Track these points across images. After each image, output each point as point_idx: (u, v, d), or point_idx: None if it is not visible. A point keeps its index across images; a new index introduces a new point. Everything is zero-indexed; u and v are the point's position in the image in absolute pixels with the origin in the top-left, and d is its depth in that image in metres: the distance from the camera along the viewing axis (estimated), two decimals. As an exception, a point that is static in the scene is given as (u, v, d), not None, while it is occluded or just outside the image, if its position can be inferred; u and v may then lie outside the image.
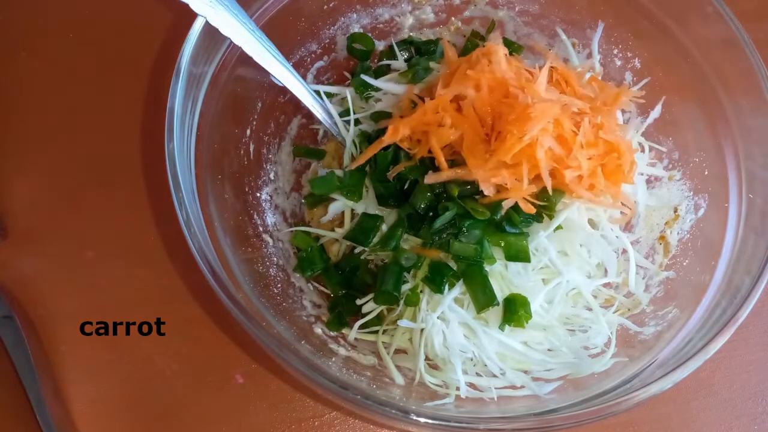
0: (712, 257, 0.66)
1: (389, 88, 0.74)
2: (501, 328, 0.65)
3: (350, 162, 0.72)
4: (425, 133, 0.65)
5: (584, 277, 0.69)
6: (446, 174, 0.65)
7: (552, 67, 0.67)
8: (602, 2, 0.77)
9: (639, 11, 0.74)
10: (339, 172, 0.72)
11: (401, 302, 0.66)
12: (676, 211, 0.74)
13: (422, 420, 0.53)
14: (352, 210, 0.72)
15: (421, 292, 0.66)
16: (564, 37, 0.80)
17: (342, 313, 0.70)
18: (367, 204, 0.71)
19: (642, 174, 0.75)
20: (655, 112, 0.76)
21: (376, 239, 0.68)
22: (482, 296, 0.64)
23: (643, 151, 0.76)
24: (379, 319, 0.69)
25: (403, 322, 0.65)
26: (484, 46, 0.68)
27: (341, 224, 0.73)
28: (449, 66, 0.70)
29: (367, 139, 0.72)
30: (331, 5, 0.78)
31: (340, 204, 0.72)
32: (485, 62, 0.65)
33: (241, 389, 0.72)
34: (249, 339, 0.55)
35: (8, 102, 0.84)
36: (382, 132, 0.68)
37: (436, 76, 0.72)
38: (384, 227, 0.69)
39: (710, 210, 0.71)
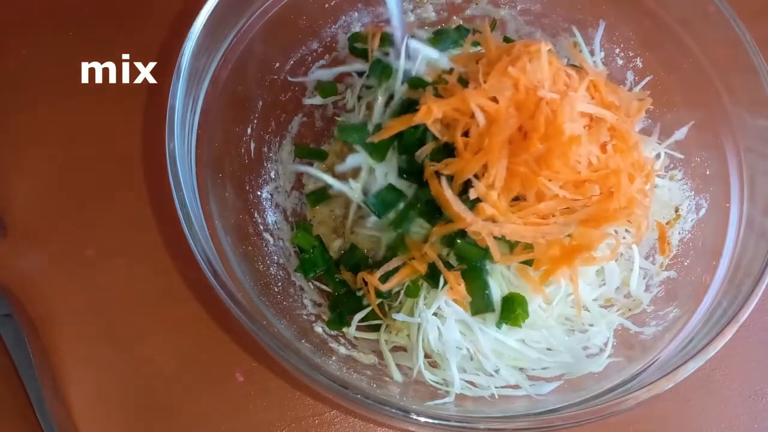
0: (713, 257, 0.66)
1: (440, 58, 0.70)
2: (498, 326, 0.65)
3: (378, 117, 0.69)
4: (456, 120, 0.63)
5: (584, 283, 0.68)
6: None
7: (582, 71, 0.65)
8: (604, 1, 0.77)
9: (641, 10, 0.74)
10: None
11: (402, 293, 0.66)
12: (677, 210, 0.74)
13: (422, 419, 0.53)
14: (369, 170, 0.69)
15: (421, 285, 0.66)
16: (579, 37, 0.78)
17: (343, 312, 0.70)
18: (388, 170, 0.69)
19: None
20: (680, 133, 0.74)
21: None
22: (479, 301, 0.64)
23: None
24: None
25: (399, 316, 0.65)
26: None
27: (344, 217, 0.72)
28: (488, 54, 0.66)
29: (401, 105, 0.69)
30: (332, 3, 0.78)
31: (360, 157, 0.69)
32: (526, 60, 0.62)
33: (241, 388, 0.72)
34: (249, 338, 0.55)
35: (8, 100, 0.83)
36: (412, 101, 0.66)
37: (476, 53, 0.70)
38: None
39: (711, 210, 0.71)
